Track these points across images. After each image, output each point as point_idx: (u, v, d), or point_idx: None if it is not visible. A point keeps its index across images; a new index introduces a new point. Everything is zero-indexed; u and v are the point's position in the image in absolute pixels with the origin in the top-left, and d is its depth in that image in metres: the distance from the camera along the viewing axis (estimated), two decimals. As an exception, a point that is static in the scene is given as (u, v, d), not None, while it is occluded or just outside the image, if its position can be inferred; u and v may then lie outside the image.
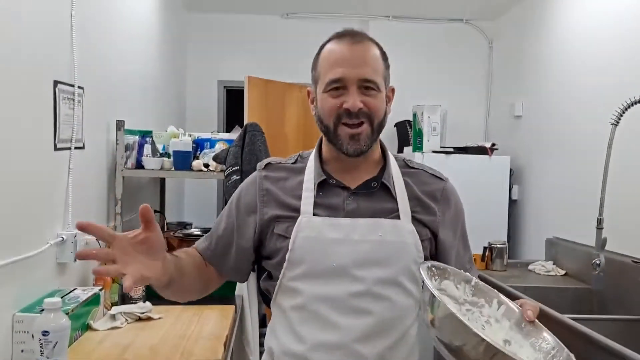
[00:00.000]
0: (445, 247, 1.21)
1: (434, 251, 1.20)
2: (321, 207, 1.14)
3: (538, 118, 3.57)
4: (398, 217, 1.14)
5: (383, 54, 1.18)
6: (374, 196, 1.16)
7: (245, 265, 1.23)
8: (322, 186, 1.16)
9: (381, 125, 1.16)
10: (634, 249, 2.39)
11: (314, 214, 1.13)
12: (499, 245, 3.08)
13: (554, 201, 3.34)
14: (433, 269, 1.07)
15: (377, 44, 1.18)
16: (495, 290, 1.07)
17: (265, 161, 1.26)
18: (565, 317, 1.99)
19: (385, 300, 1.10)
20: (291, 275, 1.13)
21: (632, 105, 1.94)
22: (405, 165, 1.23)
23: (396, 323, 1.12)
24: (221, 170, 2.40)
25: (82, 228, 0.94)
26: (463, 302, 1.06)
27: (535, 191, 3.62)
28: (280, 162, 1.25)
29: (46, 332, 1.18)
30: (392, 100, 1.22)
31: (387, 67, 1.18)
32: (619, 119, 1.97)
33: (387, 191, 1.16)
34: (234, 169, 2.31)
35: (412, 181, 1.20)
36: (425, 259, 1.16)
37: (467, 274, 1.12)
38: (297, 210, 1.14)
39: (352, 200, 1.15)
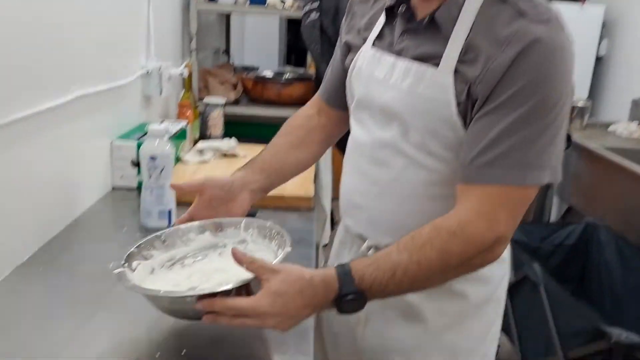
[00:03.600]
0: (480, 125, 0.83)
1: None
2: (382, 39, 0.97)
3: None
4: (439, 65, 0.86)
5: None
6: (426, 34, 0.89)
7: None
8: (392, 14, 0.95)
9: None
10: None
11: (373, 45, 0.98)
12: (579, 105, 2.91)
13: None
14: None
15: None
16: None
17: None
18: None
19: (399, 157, 0.93)
20: (351, 106, 1.05)
21: None
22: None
23: (405, 189, 0.94)
24: (298, 8, 2.25)
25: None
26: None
27: (626, 46, 3.32)
28: None
29: (153, 157, 1.19)
30: None
31: None
32: None
33: (443, 29, 0.87)
34: (312, 5, 2.15)
35: (486, 19, 0.83)
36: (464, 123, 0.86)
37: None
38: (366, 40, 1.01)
39: (406, 37, 0.92)
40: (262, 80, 2.43)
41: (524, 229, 2.17)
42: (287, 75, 2.57)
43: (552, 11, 0.82)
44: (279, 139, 1.16)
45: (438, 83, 0.85)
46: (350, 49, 1.04)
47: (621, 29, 3.35)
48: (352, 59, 1.02)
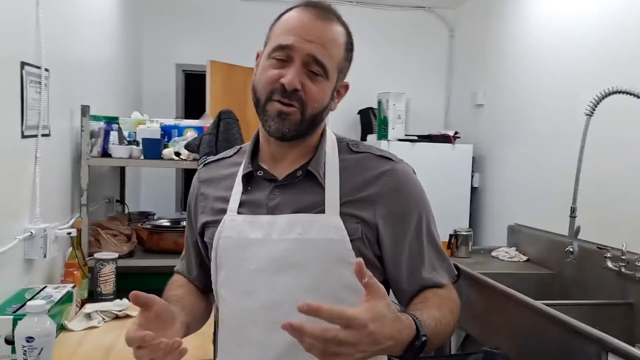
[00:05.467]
0: (391, 246, 1.00)
1: (379, 251, 1.01)
2: (246, 204, 1.03)
3: (500, 106, 3.64)
4: (324, 211, 0.97)
5: (349, 43, 1.03)
6: (300, 188, 1.00)
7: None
8: (250, 180, 1.04)
9: (315, 118, 0.99)
10: (598, 236, 2.48)
11: (239, 212, 1.02)
12: (464, 233, 3.14)
13: (515, 188, 3.43)
14: None
15: (347, 31, 1.03)
16: None
17: (207, 160, 1.19)
18: (539, 303, 2.05)
19: (297, 314, 0.95)
20: (218, 280, 1.05)
21: (607, 96, 1.99)
22: (349, 150, 1.05)
23: None
24: (194, 159, 2.30)
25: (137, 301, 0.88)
26: None
27: (496, 179, 3.71)
28: (219, 159, 1.16)
29: (30, 337, 1.09)
30: (342, 97, 1.07)
31: (349, 59, 1.04)
32: (594, 110, 2.02)
33: (316, 181, 1.00)
34: (209, 158, 2.21)
35: (352, 167, 1.02)
36: (367, 262, 0.94)
37: None
38: (225, 212, 1.05)
39: (277, 194, 1.01)
40: (158, 230, 2.38)
41: (428, 364, 2.18)
42: (184, 223, 2.54)
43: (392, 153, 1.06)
44: (175, 291, 1.11)
45: (331, 225, 0.96)
46: (208, 227, 1.07)
47: (489, 164, 3.77)
48: (214, 233, 1.03)
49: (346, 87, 1.06)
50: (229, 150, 1.15)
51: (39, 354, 1.10)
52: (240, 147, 1.14)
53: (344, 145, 1.06)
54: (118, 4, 3.18)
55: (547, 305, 2.04)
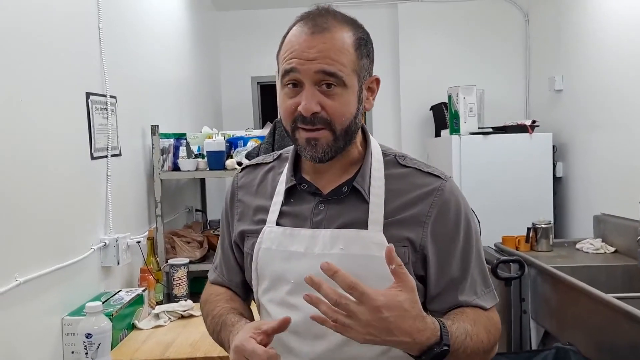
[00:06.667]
0: (437, 266, 0.98)
1: (422, 271, 0.98)
2: (288, 216, 1.01)
3: (580, 91, 3.43)
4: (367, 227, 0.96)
5: (358, 40, 0.97)
6: (346, 203, 0.99)
7: None
8: (293, 192, 1.02)
9: (348, 130, 0.96)
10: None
11: (278, 224, 1.01)
12: (543, 225, 3.00)
13: (601, 176, 3.22)
14: None
15: (353, 28, 0.98)
16: None
17: (245, 164, 1.16)
18: (610, 297, 1.93)
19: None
20: (259, 290, 1.04)
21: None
22: (396, 164, 1.03)
23: (356, 350, 0.94)
24: (254, 167, 2.43)
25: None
26: None
27: (580, 167, 3.49)
28: (259, 163, 1.12)
29: (89, 334, 1.25)
30: (375, 92, 1.02)
31: (365, 55, 0.98)
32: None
33: (361, 197, 0.98)
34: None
35: (399, 183, 1.00)
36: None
37: None
38: (265, 222, 1.03)
39: (321, 209, 0.99)
40: (227, 235, 2.54)
41: (496, 362, 2.13)
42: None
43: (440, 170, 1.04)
44: (230, 303, 1.07)
45: (374, 242, 0.95)
46: (248, 237, 1.06)
47: (572, 152, 3.56)
48: (254, 243, 1.03)
49: (377, 80, 1.02)
50: (267, 156, 1.13)
51: (97, 348, 1.26)
52: (280, 154, 1.11)
53: (390, 159, 1.03)
54: (192, 27, 3.43)
55: (621, 298, 1.92)
